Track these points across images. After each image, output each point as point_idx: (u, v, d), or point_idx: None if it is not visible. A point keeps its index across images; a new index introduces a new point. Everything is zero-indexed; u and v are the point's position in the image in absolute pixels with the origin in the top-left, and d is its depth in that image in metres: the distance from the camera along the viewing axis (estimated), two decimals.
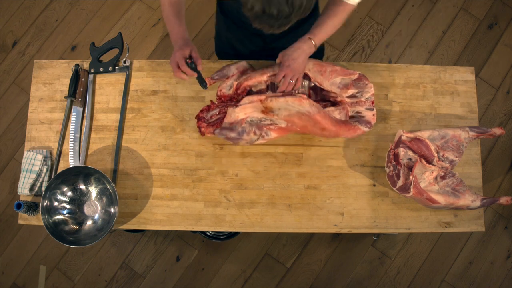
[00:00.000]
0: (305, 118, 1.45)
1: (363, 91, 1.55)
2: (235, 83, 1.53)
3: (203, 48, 2.61)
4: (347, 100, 1.55)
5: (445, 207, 1.48)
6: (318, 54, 1.85)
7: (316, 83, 1.54)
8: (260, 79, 1.51)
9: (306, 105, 1.43)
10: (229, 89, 1.54)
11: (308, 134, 1.56)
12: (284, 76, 1.44)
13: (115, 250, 2.38)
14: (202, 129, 1.54)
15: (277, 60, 1.46)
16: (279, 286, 2.35)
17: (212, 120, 1.54)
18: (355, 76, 1.54)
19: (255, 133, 1.46)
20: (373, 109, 1.55)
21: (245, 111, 1.45)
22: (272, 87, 1.56)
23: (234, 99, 1.55)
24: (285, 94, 1.44)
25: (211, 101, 1.55)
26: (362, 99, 1.55)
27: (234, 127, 1.45)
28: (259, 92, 1.55)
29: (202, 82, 1.45)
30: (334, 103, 1.56)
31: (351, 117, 1.55)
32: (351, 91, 1.54)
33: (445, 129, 1.54)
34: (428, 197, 1.44)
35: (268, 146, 1.58)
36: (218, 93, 1.55)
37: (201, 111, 1.55)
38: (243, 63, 1.57)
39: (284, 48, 1.47)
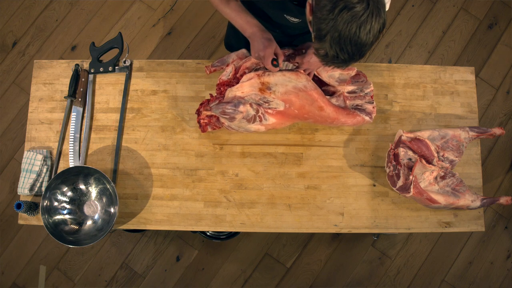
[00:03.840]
0: (302, 95, 1.44)
1: (362, 88, 1.55)
2: (234, 67, 1.53)
3: (203, 48, 2.62)
4: (346, 94, 1.56)
5: (445, 207, 1.48)
6: None
7: (314, 71, 1.55)
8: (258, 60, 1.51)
9: (303, 79, 1.43)
10: (229, 75, 1.53)
11: (307, 121, 1.54)
12: (300, 64, 1.47)
13: (115, 250, 2.38)
14: (202, 123, 1.53)
15: (298, 48, 1.49)
16: (279, 286, 2.35)
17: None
18: (353, 73, 1.55)
19: (251, 106, 1.44)
20: (372, 102, 1.55)
21: (242, 89, 1.44)
22: None
23: (232, 85, 1.54)
24: (282, 70, 1.46)
25: (210, 94, 1.55)
26: (361, 94, 1.55)
27: (232, 101, 1.44)
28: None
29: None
30: (332, 94, 1.57)
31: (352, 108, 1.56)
32: (350, 88, 1.55)
33: (445, 129, 1.54)
34: (428, 197, 1.44)
35: (268, 146, 1.58)
36: (218, 82, 1.54)
37: (201, 104, 1.54)
38: (243, 50, 1.57)
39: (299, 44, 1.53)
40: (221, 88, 1.54)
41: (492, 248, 2.39)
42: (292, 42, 1.70)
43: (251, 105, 1.44)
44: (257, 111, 1.45)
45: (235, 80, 1.53)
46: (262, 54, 1.37)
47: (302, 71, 1.45)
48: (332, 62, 1.08)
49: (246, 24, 1.39)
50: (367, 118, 1.53)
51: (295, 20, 1.43)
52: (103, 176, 1.47)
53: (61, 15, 2.66)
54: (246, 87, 1.44)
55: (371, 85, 1.56)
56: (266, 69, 1.52)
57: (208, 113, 1.50)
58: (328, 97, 1.53)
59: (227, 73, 1.53)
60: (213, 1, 1.41)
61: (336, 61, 1.07)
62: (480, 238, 2.40)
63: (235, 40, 1.82)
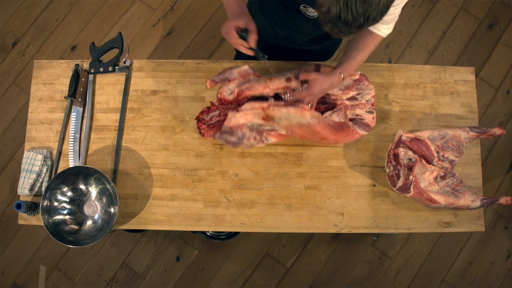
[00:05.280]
0: (305, 128, 1.46)
1: (364, 93, 1.54)
2: (236, 90, 1.49)
3: (203, 48, 2.62)
4: (347, 102, 1.54)
5: (445, 207, 1.48)
6: (327, 56, 1.85)
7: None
8: (263, 92, 1.47)
9: (308, 116, 1.43)
10: (230, 94, 1.50)
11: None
12: (303, 97, 1.44)
13: (115, 250, 2.38)
14: (202, 131, 1.53)
15: (301, 77, 1.42)
16: (279, 286, 2.35)
17: (212, 122, 1.54)
18: (356, 76, 1.54)
19: (255, 139, 1.46)
20: (373, 112, 1.55)
21: (245, 117, 1.45)
22: (274, 96, 1.52)
23: (234, 103, 1.53)
24: (287, 104, 1.43)
25: (211, 102, 1.55)
26: (362, 102, 1.54)
27: (234, 132, 1.44)
28: (261, 98, 1.52)
29: (257, 54, 1.33)
30: (333, 107, 1.56)
31: (351, 119, 1.54)
32: (351, 93, 1.54)
33: (445, 129, 1.54)
34: (428, 197, 1.44)
35: (268, 146, 1.58)
36: (219, 96, 1.52)
37: (201, 112, 1.55)
38: (245, 68, 1.51)
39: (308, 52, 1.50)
40: (222, 100, 1.52)
41: (492, 248, 2.39)
42: (300, 56, 1.68)
43: (254, 138, 1.46)
44: (260, 139, 1.48)
45: (237, 100, 1.51)
46: (223, 30, 1.29)
47: (306, 107, 1.43)
48: (332, 23, 1.02)
49: (227, 4, 1.33)
50: (365, 133, 1.53)
51: (312, 14, 1.38)
52: (103, 176, 1.47)
53: (61, 15, 2.66)
54: (250, 115, 1.45)
55: (372, 91, 1.55)
56: (271, 98, 1.48)
57: (210, 138, 1.51)
58: (329, 112, 1.51)
59: (230, 90, 1.50)
60: None
61: (338, 23, 1.01)
62: (480, 238, 2.40)
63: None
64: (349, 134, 1.51)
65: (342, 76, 1.40)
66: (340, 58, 1.43)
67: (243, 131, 1.44)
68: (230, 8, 1.34)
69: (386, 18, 1.31)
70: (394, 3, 1.24)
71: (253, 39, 1.31)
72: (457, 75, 1.66)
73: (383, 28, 1.36)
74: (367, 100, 1.55)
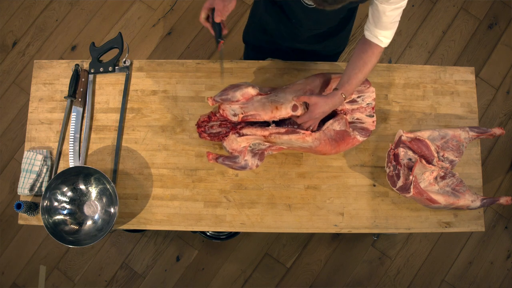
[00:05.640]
0: (307, 149, 1.49)
1: (364, 96, 1.54)
2: (241, 116, 1.45)
3: (203, 48, 2.62)
4: (347, 106, 1.54)
5: (445, 207, 1.48)
6: (331, 59, 1.84)
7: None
8: (269, 120, 1.47)
9: (309, 141, 1.45)
10: (234, 116, 1.47)
11: None
12: (304, 123, 1.44)
13: (115, 250, 2.38)
14: (202, 137, 1.54)
15: (301, 99, 1.40)
16: (279, 286, 2.35)
17: (213, 131, 1.53)
18: None
19: (257, 166, 1.49)
20: (373, 116, 1.54)
21: (247, 141, 1.46)
22: (276, 121, 1.52)
23: (236, 124, 1.52)
24: (288, 131, 1.44)
25: (212, 112, 1.52)
26: (362, 105, 1.54)
27: (237, 159, 1.45)
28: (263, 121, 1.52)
29: (216, 34, 1.34)
30: (334, 113, 1.54)
31: (351, 123, 1.54)
32: (352, 96, 1.53)
33: (445, 129, 1.54)
34: (428, 197, 1.44)
35: None
36: (221, 112, 1.49)
37: (202, 121, 1.53)
38: (248, 90, 1.44)
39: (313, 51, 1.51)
40: (225, 117, 1.50)
41: (492, 248, 2.39)
42: (304, 57, 1.67)
43: (257, 165, 1.48)
44: (262, 158, 1.50)
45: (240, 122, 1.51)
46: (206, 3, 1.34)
47: (308, 133, 1.44)
48: None
49: None
50: (364, 139, 1.53)
51: (310, 3, 1.36)
52: (103, 176, 1.47)
53: (61, 15, 2.66)
54: (252, 139, 1.46)
55: (373, 93, 1.54)
56: (273, 124, 1.49)
57: (214, 157, 1.51)
58: (330, 121, 1.49)
59: (233, 111, 1.47)
60: None
61: None
62: (480, 238, 2.40)
63: (253, 38, 1.81)
64: (349, 143, 1.51)
65: (344, 96, 1.39)
66: (341, 78, 1.42)
67: (245, 159, 1.46)
68: None
69: (385, 21, 1.30)
70: (391, 1, 1.24)
71: (216, 15, 1.33)
72: (457, 75, 1.66)
73: (381, 35, 1.34)
74: (367, 104, 1.54)
